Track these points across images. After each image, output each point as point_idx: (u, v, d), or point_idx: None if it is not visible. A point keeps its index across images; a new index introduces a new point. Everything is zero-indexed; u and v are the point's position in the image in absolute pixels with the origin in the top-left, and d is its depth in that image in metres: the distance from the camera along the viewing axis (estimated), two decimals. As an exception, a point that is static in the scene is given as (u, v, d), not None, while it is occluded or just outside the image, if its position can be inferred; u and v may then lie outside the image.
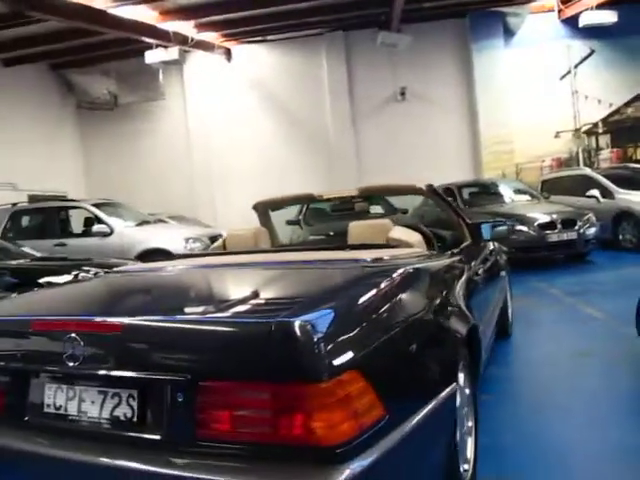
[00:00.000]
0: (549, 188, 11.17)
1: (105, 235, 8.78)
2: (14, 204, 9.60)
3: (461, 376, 2.19)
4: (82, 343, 1.59)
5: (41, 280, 5.62)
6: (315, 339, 1.35)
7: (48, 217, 9.50)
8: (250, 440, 1.39)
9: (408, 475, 1.59)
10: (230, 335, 1.43)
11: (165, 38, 10.69)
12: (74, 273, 5.48)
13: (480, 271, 3.09)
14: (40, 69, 13.54)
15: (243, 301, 1.81)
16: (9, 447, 1.71)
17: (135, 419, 1.55)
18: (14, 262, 6.51)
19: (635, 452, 2.51)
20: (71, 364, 1.61)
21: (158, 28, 10.47)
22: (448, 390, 1.83)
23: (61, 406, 1.68)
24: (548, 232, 8.23)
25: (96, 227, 8.86)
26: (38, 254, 7.27)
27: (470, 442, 2.29)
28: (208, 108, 14.26)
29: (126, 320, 1.60)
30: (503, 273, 4.33)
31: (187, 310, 1.77)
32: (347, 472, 1.32)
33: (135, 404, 1.55)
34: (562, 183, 11.17)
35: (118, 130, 14.72)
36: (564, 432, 2.76)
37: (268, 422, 1.37)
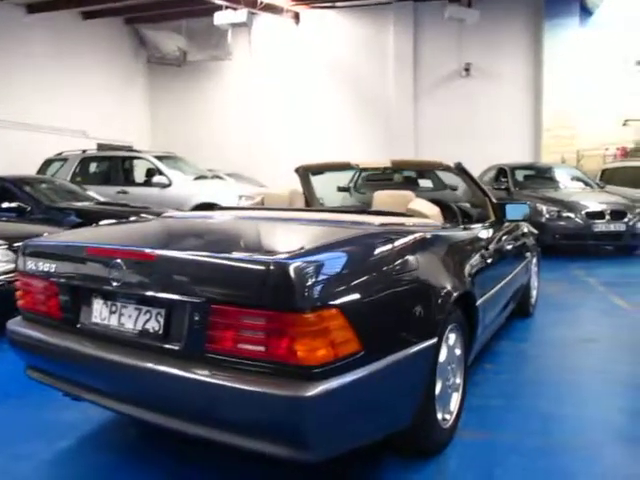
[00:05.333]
0: (609, 178, 10.94)
1: (164, 186, 9.21)
2: (84, 151, 10.22)
3: (452, 336, 2.48)
4: (124, 267, 1.97)
5: (101, 222, 6.19)
6: (302, 279, 1.67)
7: (113, 165, 10.05)
8: (246, 355, 1.73)
9: (375, 402, 1.90)
10: (238, 269, 1.76)
11: (234, 0, 10.98)
12: (132, 219, 6.00)
13: (493, 247, 3.30)
14: (115, 23, 14.17)
15: (254, 244, 2.20)
16: (64, 346, 2.14)
17: (161, 332, 1.93)
18: (79, 204, 7.12)
19: (608, 427, 2.75)
20: (114, 284, 1.99)
21: (228, -10, 10.79)
22: (428, 343, 2.12)
23: (105, 317, 2.08)
24: (595, 222, 8.17)
25: (156, 178, 9.32)
26: (102, 199, 7.88)
27: (456, 397, 2.58)
28: (273, 70, 14.58)
29: (159, 252, 1.96)
30: (528, 255, 4.50)
31: (209, 248, 2.12)
32: (320, 388, 1.65)
33: (162, 320, 1.93)
34: (623, 173, 10.90)
35: (185, 87, 15.28)
36: (547, 404, 2.99)
37: (261, 342, 1.70)
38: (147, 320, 1.96)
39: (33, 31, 11.89)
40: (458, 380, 2.62)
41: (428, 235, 2.50)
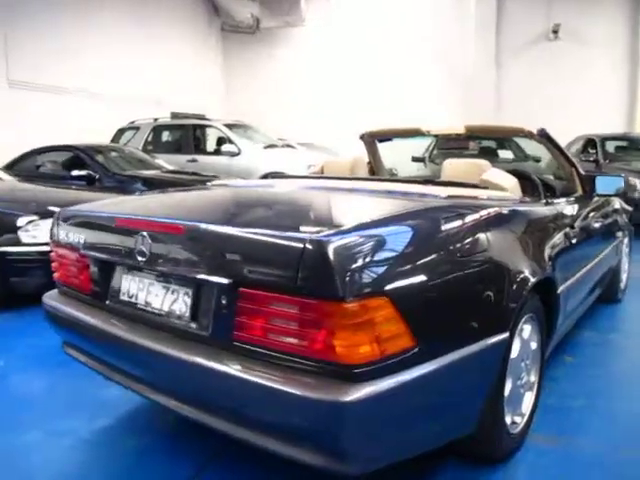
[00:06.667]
0: None
1: (233, 155, 9.09)
2: (156, 119, 10.24)
3: (526, 328, 2.14)
4: (150, 241, 1.77)
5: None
6: (345, 261, 1.39)
7: (184, 134, 10.00)
8: (278, 348, 1.48)
9: (430, 408, 1.61)
10: (270, 247, 1.50)
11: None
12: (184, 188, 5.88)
13: (579, 225, 2.88)
14: (188, -9, 14.05)
15: (295, 218, 1.89)
16: (92, 324, 1.97)
17: (188, 314, 1.71)
18: (147, 172, 7.11)
19: None
20: (140, 259, 1.80)
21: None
22: (498, 338, 1.80)
23: (133, 295, 1.89)
24: (697, 198, 7.38)
25: (225, 147, 9.21)
26: (170, 167, 7.86)
27: (529, 397, 2.26)
28: (347, 34, 14.04)
29: (188, 223, 1.73)
30: (619, 234, 4.01)
31: (242, 221, 1.86)
32: (362, 392, 1.37)
33: (189, 301, 1.71)
34: None
35: (258, 54, 15.06)
36: (638, 406, 2.61)
37: (294, 334, 1.45)
38: (174, 300, 1.75)
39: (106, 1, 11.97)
40: (533, 378, 2.28)
41: (503, 210, 2.14)
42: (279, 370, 1.47)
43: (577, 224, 2.86)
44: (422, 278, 1.55)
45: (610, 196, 3.62)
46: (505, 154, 8.92)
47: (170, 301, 1.76)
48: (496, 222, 2.02)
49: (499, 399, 1.93)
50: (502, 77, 13.04)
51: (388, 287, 1.44)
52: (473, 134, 3.52)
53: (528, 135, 3.16)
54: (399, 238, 1.59)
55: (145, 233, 1.78)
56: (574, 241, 2.70)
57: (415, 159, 8.75)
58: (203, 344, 1.65)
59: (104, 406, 2.57)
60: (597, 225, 3.32)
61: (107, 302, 2.00)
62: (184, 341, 1.69)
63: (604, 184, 3.37)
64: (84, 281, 2.08)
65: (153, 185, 6.38)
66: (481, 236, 1.85)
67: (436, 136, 3.71)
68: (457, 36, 13.14)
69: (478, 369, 1.76)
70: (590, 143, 9.48)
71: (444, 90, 13.35)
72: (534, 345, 2.25)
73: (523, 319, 2.06)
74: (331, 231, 1.46)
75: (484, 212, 1.99)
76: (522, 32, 12.82)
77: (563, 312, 2.52)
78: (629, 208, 4.52)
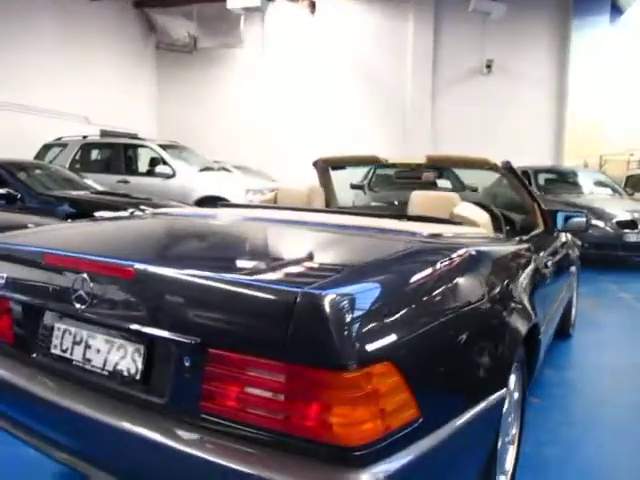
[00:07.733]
0: (634, 185, 10.41)
1: (167, 177, 8.68)
2: (85, 136, 9.66)
3: (512, 378, 1.95)
4: (92, 285, 1.44)
5: (96, 213, 5.67)
6: (346, 319, 1.13)
7: (115, 153, 9.49)
8: (258, 424, 1.20)
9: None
10: (250, 301, 1.22)
11: (249, -17, 10.43)
12: (130, 211, 5.46)
13: (549, 264, 2.76)
14: (124, 6, 13.52)
15: (274, 262, 1.59)
16: (13, 382, 1.61)
17: (138, 377, 1.39)
18: (74, 193, 6.59)
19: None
20: (78, 306, 1.46)
21: (243, -28, 10.22)
22: (497, 395, 1.59)
23: (67, 349, 1.55)
24: (627, 231, 7.63)
25: (159, 168, 8.78)
26: (100, 188, 7.35)
27: (512, 452, 2.06)
28: (286, 59, 14.01)
29: (142, 266, 1.41)
30: (573, 269, 3.97)
31: (210, 265, 1.52)
32: (365, 479, 1.11)
33: (140, 361, 1.39)
34: (651, 181, 10.38)
35: (194, 74, 14.70)
36: (613, 449, 2.50)
37: (280, 407, 1.17)
38: (120, 358, 1.43)
39: (37, 11, 11.32)
40: (514, 430, 2.09)
41: (491, 252, 1.94)
42: (259, 451, 1.18)
43: (548, 262, 2.74)
44: (425, 335, 1.31)
45: (570, 232, 3.57)
46: (443, 184, 9.00)
47: (115, 359, 1.44)
48: (489, 266, 1.82)
49: (493, 461, 1.72)
50: (438, 109, 13.34)
51: (392, 349, 1.19)
52: (434, 164, 3.36)
53: (493, 168, 3.04)
54: (401, 289, 1.34)
55: (86, 275, 1.45)
56: (548, 280, 2.58)
57: (354, 186, 8.68)
58: (158, 414, 1.34)
59: (27, 468, 2.17)
60: (560, 261, 3.24)
61: (34, 355, 1.63)
62: (132, 408, 1.37)
63: (564, 220, 3.31)
64: (4, 328, 1.71)
65: (81, 207, 5.94)
66: (478, 282, 1.65)
67: (394, 165, 3.53)
68: (395, 68, 13.37)
69: (479, 431, 1.54)
70: (524, 175, 9.75)
71: (382, 120, 13.51)
72: (516, 395, 2.07)
73: (512, 370, 1.88)
74: (324, 281, 1.21)
75: (476, 255, 1.78)
76: (457, 66, 13.19)
77: (541, 355, 2.37)
78: (579, 242, 4.51)
